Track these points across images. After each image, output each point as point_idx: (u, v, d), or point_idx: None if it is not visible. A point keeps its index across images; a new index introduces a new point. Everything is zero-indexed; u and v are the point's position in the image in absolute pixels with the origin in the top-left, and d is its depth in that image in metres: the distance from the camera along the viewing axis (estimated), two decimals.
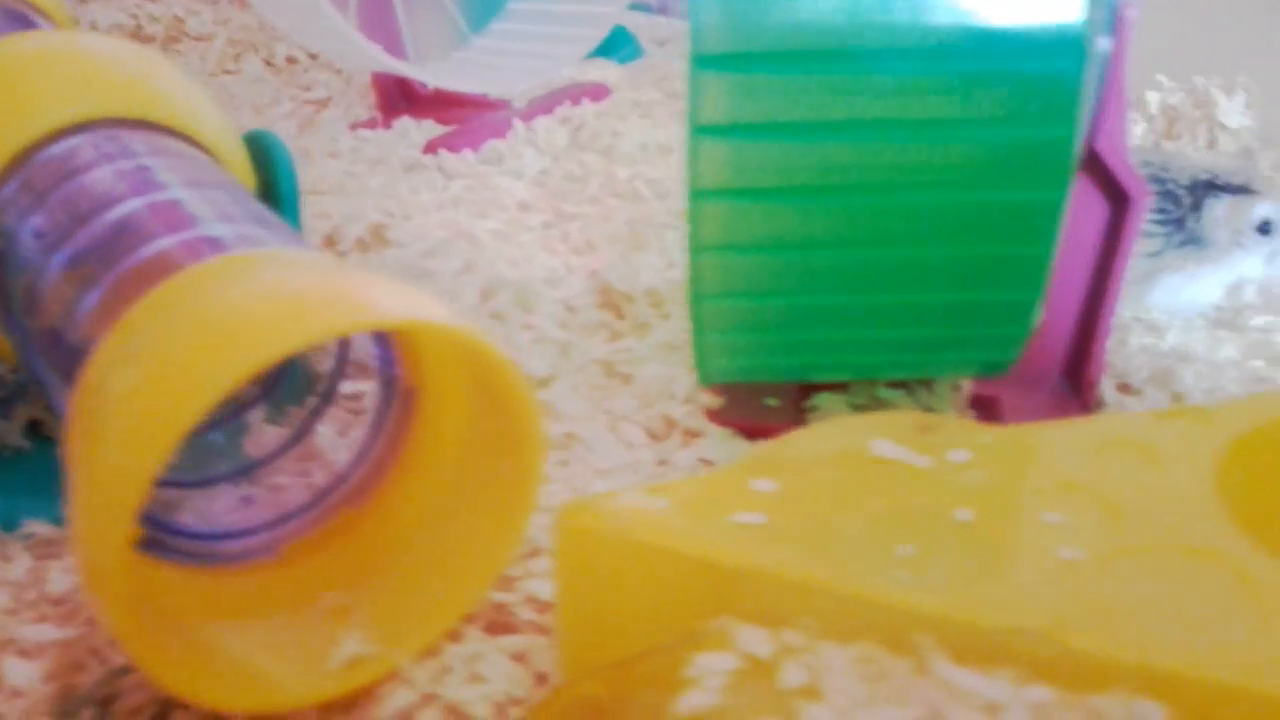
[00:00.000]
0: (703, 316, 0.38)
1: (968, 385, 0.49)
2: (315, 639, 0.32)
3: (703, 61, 0.33)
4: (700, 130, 0.34)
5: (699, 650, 0.26)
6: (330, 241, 0.56)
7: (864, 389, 0.49)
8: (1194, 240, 0.54)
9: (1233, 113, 0.71)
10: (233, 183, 0.39)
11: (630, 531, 0.28)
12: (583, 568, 0.29)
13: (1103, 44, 0.40)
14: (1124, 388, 0.48)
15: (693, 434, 0.46)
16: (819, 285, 0.37)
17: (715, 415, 0.47)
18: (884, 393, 0.49)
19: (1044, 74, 0.33)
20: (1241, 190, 0.54)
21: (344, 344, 0.38)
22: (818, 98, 0.33)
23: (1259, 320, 0.52)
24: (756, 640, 0.26)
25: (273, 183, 0.45)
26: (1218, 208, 0.53)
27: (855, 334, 0.39)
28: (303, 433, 0.38)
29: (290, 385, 0.41)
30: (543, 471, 0.32)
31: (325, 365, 0.40)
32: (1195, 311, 0.53)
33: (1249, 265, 0.53)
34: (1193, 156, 0.66)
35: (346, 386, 0.39)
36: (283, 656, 0.31)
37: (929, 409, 0.49)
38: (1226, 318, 0.53)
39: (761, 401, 0.48)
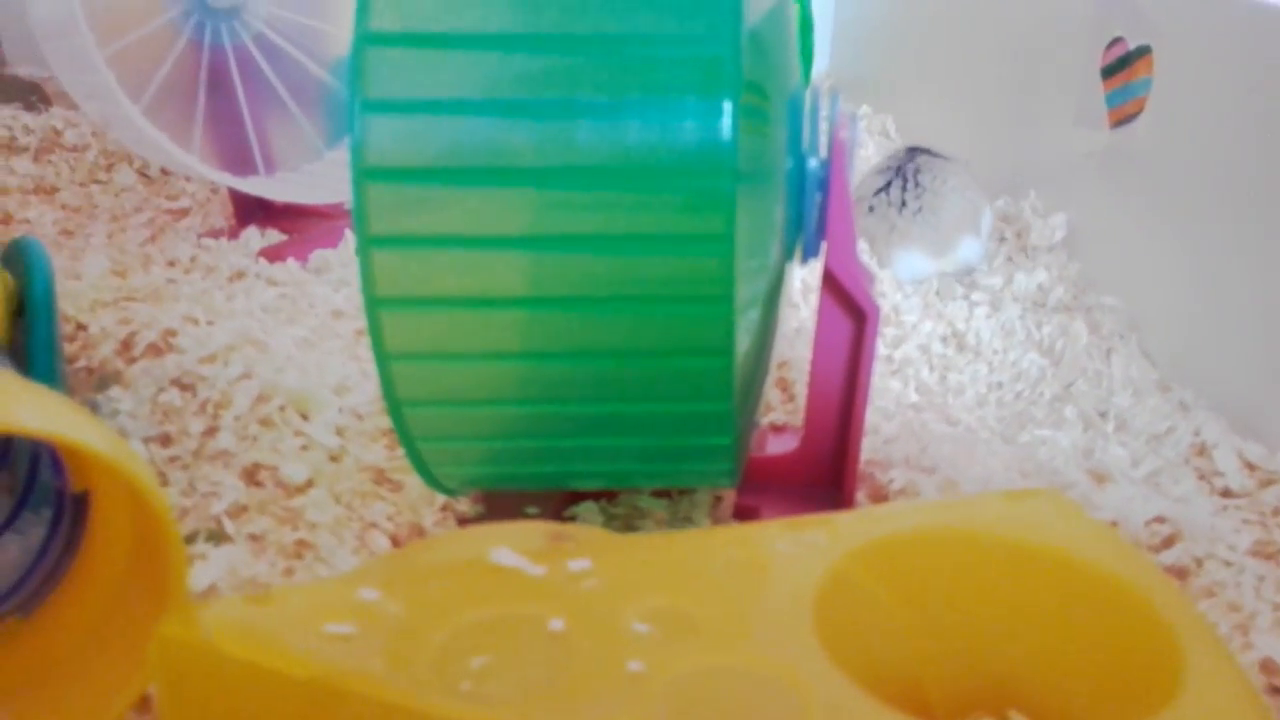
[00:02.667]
0: (405, 424, 0.38)
1: (730, 496, 0.49)
2: None
3: (369, 174, 0.34)
4: (371, 241, 0.35)
5: None
6: (125, 346, 0.56)
7: (626, 499, 0.49)
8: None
9: None
10: None
11: (219, 643, 0.27)
12: (179, 678, 0.28)
13: (813, 164, 0.42)
14: (880, 498, 0.49)
15: None
16: (511, 393, 0.37)
17: (469, 524, 0.47)
18: (645, 502, 0.49)
19: (698, 191, 0.34)
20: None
21: (34, 457, 0.38)
22: (481, 210, 0.34)
23: (1035, 433, 0.52)
24: None
25: (28, 288, 0.46)
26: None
27: (559, 443, 0.39)
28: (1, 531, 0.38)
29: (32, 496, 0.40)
30: (184, 587, 0.32)
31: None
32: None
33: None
34: None
35: None
36: None
37: (688, 519, 0.49)
38: (1005, 426, 0.53)
39: (522, 510, 0.48)
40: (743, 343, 0.37)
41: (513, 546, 0.30)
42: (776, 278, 0.42)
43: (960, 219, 0.67)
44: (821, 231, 0.43)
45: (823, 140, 0.42)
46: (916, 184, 0.67)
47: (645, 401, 0.38)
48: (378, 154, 0.34)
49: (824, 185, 0.42)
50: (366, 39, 0.35)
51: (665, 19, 0.34)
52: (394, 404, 0.38)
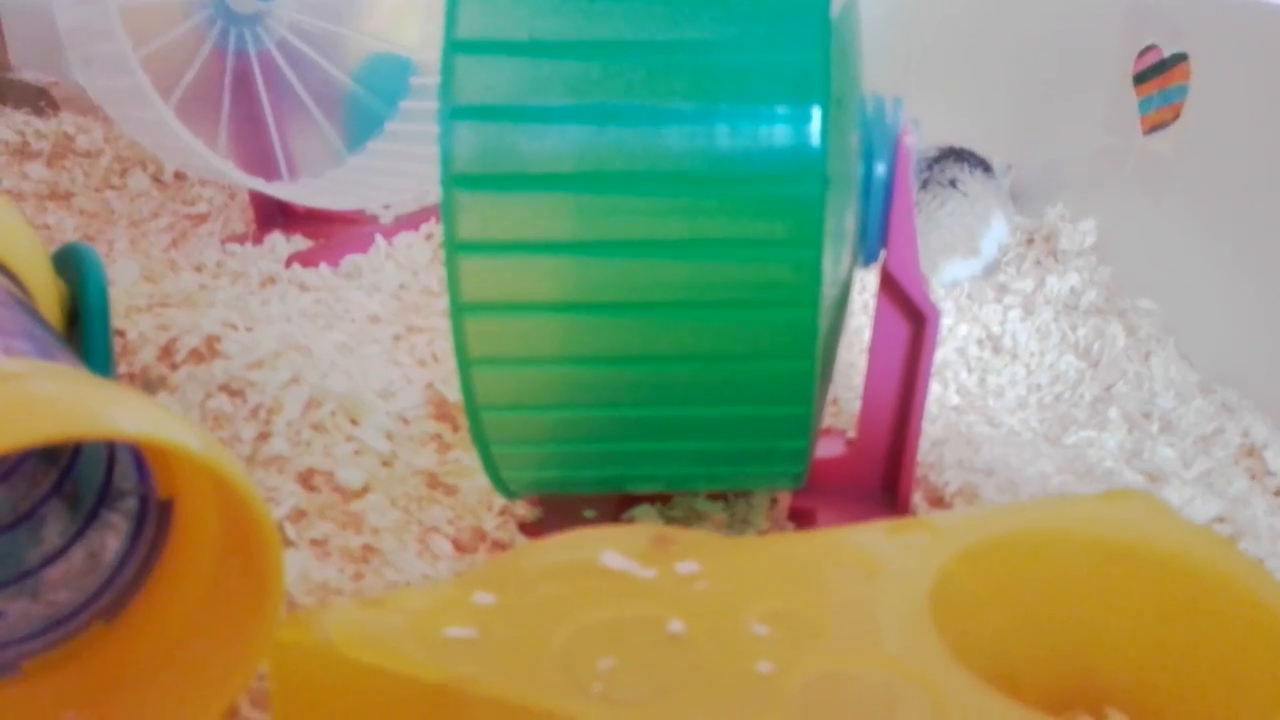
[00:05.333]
0: (481, 428, 0.38)
1: (786, 498, 0.50)
2: None
3: (458, 181, 0.34)
4: (458, 247, 0.35)
5: None
6: (166, 352, 0.56)
7: (683, 501, 0.49)
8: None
9: None
10: (10, 293, 0.39)
11: (339, 646, 0.27)
12: (296, 682, 0.28)
13: (880, 169, 0.42)
14: (936, 501, 0.49)
15: (501, 546, 0.46)
16: (588, 398, 0.38)
17: (529, 528, 0.47)
18: (702, 505, 0.49)
19: (787, 197, 0.34)
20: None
21: (110, 461, 0.38)
22: (569, 217, 0.34)
23: (1080, 434, 0.53)
24: None
25: (82, 294, 0.45)
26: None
27: (630, 446, 0.39)
28: (69, 545, 0.37)
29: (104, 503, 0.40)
30: (281, 596, 0.31)
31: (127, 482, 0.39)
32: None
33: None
34: None
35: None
36: None
37: (746, 521, 0.49)
38: (1047, 427, 0.54)
39: (580, 514, 0.48)
40: (820, 346, 0.38)
41: (618, 550, 0.30)
42: (847, 282, 0.42)
43: (952, 240, 0.68)
44: (883, 236, 0.44)
45: (888, 145, 0.43)
46: (932, 193, 0.68)
47: (725, 405, 0.38)
48: (465, 160, 0.34)
49: (888, 190, 0.43)
50: (454, 46, 0.35)
51: (754, 25, 0.35)
52: (472, 408, 0.38)
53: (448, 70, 0.34)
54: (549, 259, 0.35)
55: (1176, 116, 0.59)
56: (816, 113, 0.34)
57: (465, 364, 0.36)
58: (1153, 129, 0.61)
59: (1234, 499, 0.45)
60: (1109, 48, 0.66)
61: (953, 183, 0.69)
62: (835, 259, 0.39)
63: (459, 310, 0.35)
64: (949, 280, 0.69)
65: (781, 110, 0.34)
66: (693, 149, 0.34)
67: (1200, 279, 0.59)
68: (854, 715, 0.25)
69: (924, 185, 0.68)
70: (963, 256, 0.69)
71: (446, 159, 0.34)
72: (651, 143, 0.35)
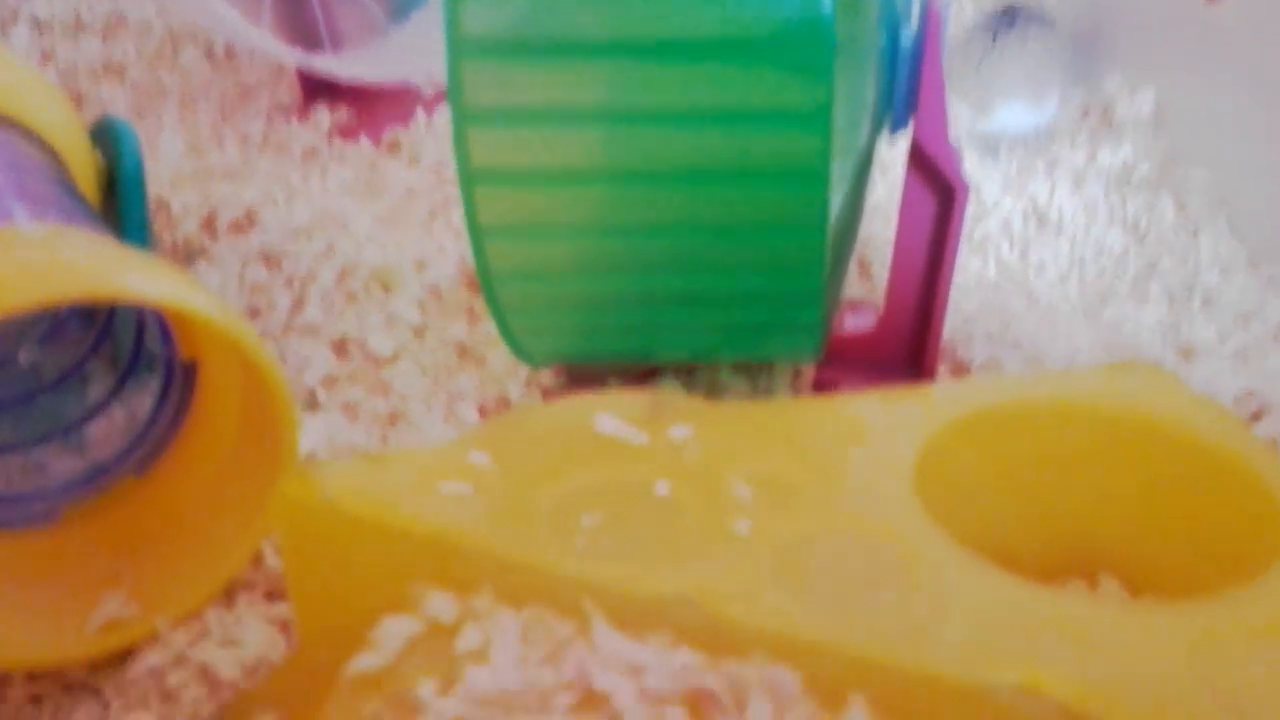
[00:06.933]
0: (496, 298, 0.39)
1: (809, 371, 0.50)
2: (80, 601, 0.33)
3: (465, 49, 0.34)
4: (467, 116, 0.35)
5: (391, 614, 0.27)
6: (208, 223, 0.57)
7: (706, 373, 0.50)
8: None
9: None
10: (44, 166, 0.40)
11: (339, 501, 0.28)
12: (303, 536, 0.29)
13: (906, 38, 0.41)
14: (961, 374, 0.49)
15: None
16: (599, 267, 0.38)
17: (553, 396, 0.48)
18: (725, 375, 0.49)
19: (795, 64, 0.33)
20: None
21: (139, 325, 0.39)
22: (576, 84, 0.34)
23: (1119, 309, 0.52)
24: (443, 606, 0.27)
25: (118, 167, 0.47)
26: None
27: (646, 317, 0.40)
28: (107, 402, 0.39)
29: (138, 364, 0.42)
30: (295, 456, 0.33)
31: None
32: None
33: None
34: None
35: None
36: (41, 616, 0.33)
37: (768, 392, 0.49)
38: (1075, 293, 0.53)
39: (605, 383, 0.49)
40: (833, 219, 0.37)
41: (615, 414, 0.31)
42: (866, 154, 0.41)
43: (1010, 85, 0.67)
44: (912, 105, 0.43)
45: (915, 11, 0.41)
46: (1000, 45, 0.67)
47: (735, 276, 0.38)
48: (472, 28, 0.34)
49: (916, 58, 0.42)
50: None
51: None
52: (486, 277, 0.38)
53: None
54: (557, 128, 0.35)
55: None
56: None
57: (476, 232, 0.37)
58: None
59: (1268, 373, 0.44)
60: None
61: (1021, 37, 0.67)
62: (851, 130, 0.38)
63: (468, 179, 0.35)
64: (1000, 129, 0.67)
65: None
66: (702, 15, 0.34)
67: (1255, 151, 0.56)
68: (823, 572, 0.25)
69: (994, 37, 0.67)
70: (1026, 105, 0.66)
71: (453, 26, 0.34)
72: (660, 8, 0.34)
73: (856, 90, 0.37)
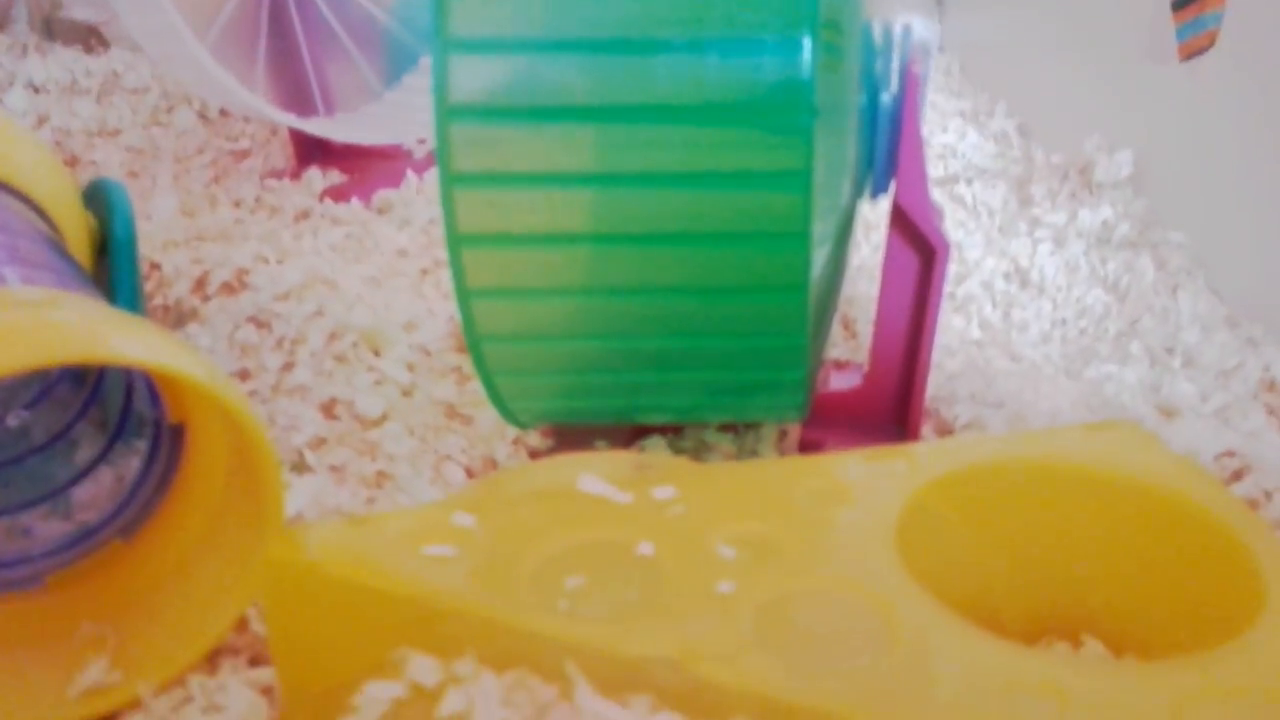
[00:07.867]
0: (484, 359, 0.39)
1: (795, 430, 0.50)
2: (62, 667, 0.33)
3: (452, 113, 0.35)
4: (454, 179, 0.35)
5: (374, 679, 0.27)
6: (199, 285, 0.58)
7: (693, 433, 0.50)
8: None
9: None
10: (37, 229, 0.40)
11: (323, 564, 0.29)
12: (287, 597, 0.29)
13: (886, 99, 0.42)
14: (945, 433, 0.49)
15: None
16: (585, 328, 0.38)
17: (540, 457, 0.48)
18: (712, 436, 0.50)
19: (776, 127, 0.34)
20: None
21: (128, 388, 0.39)
22: (561, 148, 0.35)
23: (1101, 368, 0.52)
24: (426, 670, 0.27)
25: (109, 229, 0.47)
26: None
27: (632, 377, 0.40)
28: (95, 465, 0.39)
29: (127, 427, 0.42)
30: (280, 518, 0.33)
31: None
32: None
33: None
34: None
35: None
36: (22, 682, 0.32)
37: (754, 453, 0.50)
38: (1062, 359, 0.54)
39: (592, 444, 0.49)
40: (815, 278, 0.38)
41: (599, 474, 0.31)
42: (847, 215, 0.42)
43: None
44: (892, 167, 0.43)
45: (894, 74, 0.42)
46: None
47: (719, 336, 0.38)
48: (460, 93, 0.35)
49: (895, 120, 0.42)
50: None
51: None
52: (473, 339, 0.39)
53: (441, 2, 0.34)
54: (543, 190, 0.36)
55: (1212, 43, 0.57)
56: (807, 42, 0.34)
57: (464, 294, 0.37)
58: (1189, 56, 0.59)
59: (1248, 433, 0.45)
60: None
61: None
62: (832, 190, 0.39)
63: (455, 241, 0.36)
64: None
65: (770, 39, 0.34)
66: (685, 79, 0.34)
67: (1232, 211, 0.57)
68: (804, 633, 0.25)
69: None
70: None
71: (440, 91, 0.35)
72: (643, 73, 0.35)
73: (837, 151, 0.38)
